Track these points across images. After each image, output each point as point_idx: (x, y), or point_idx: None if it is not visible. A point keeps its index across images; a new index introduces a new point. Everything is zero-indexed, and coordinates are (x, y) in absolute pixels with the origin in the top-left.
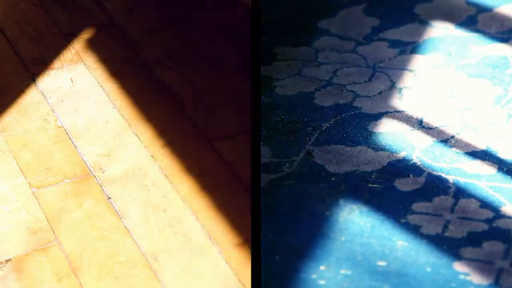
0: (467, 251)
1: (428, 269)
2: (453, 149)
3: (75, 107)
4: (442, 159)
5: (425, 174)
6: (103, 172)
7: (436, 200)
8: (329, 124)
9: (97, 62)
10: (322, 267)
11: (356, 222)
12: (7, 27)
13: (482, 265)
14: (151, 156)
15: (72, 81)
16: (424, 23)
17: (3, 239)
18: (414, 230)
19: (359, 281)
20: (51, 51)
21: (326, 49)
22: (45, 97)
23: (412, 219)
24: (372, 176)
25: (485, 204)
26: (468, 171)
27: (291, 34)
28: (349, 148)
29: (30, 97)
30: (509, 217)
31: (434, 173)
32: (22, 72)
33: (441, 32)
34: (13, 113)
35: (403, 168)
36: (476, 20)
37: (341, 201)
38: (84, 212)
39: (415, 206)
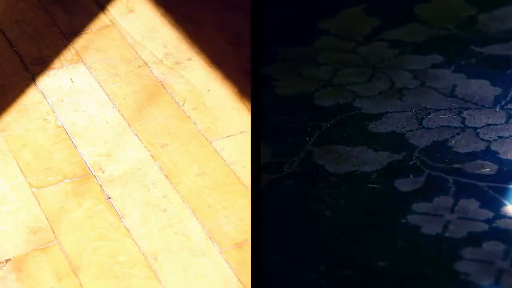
0: (467, 251)
1: (428, 269)
2: (453, 149)
3: (75, 107)
4: (442, 159)
5: (425, 174)
6: (103, 172)
7: (436, 200)
8: (329, 124)
9: (97, 62)
10: (322, 267)
11: (356, 222)
12: (7, 27)
13: (482, 265)
14: (151, 156)
15: (72, 81)
16: (424, 23)
17: (3, 239)
18: (414, 230)
19: (359, 281)
20: (51, 51)
21: (326, 49)
22: (45, 97)
23: (412, 219)
24: (372, 176)
25: (485, 204)
26: (468, 171)
27: (291, 34)
28: (349, 148)
29: (30, 97)
30: (509, 217)
31: (434, 173)
32: (22, 72)
33: (441, 32)
34: (13, 113)
35: (403, 168)
36: (476, 20)
37: (341, 201)
38: (84, 212)
39: (415, 206)
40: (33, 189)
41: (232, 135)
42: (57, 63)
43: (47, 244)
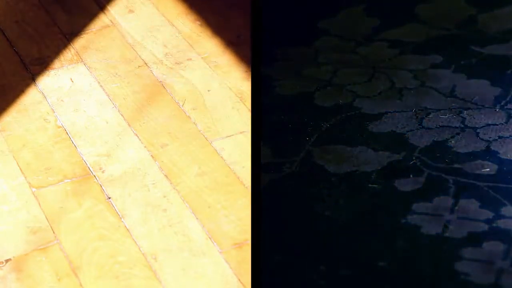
0: (467, 251)
1: (428, 269)
2: (453, 149)
3: (75, 107)
4: (442, 159)
5: (425, 174)
6: (103, 172)
7: (436, 200)
8: (329, 124)
9: (97, 62)
10: (322, 267)
11: (355, 222)
12: (7, 27)
13: (482, 265)
14: (151, 156)
15: (72, 81)
16: (424, 23)
17: (3, 239)
18: (414, 230)
19: (359, 281)
20: (51, 51)
21: (326, 49)
22: (45, 97)
23: (412, 219)
24: (372, 176)
25: (485, 204)
26: (468, 171)
27: (291, 34)
28: (349, 148)
29: (30, 97)
30: (509, 217)
31: (434, 173)
32: (22, 72)
33: (441, 32)
34: (13, 113)
35: (403, 168)
36: (476, 20)
37: (341, 201)
38: (84, 212)
39: (415, 206)
40: (33, 189)
41: (232, 135)
42: (57, 63)
43: (47, 244)
